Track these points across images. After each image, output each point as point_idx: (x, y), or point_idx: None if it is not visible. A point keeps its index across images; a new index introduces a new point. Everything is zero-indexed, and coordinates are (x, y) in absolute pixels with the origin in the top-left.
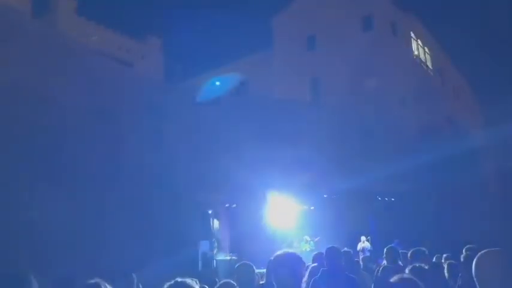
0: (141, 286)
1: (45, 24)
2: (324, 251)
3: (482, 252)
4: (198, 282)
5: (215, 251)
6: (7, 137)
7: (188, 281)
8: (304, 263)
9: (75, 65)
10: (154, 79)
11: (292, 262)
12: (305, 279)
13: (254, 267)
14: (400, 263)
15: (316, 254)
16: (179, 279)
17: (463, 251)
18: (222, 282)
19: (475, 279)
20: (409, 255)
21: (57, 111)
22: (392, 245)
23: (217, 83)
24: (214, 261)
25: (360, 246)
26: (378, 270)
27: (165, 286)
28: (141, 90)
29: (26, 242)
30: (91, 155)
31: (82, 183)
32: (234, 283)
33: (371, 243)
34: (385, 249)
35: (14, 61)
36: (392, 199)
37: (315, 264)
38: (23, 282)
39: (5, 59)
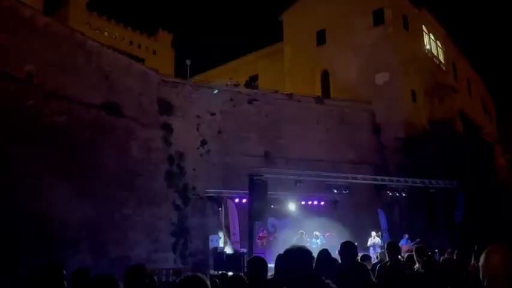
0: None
1: (57, 19)
2: (334, 246)
3: (492, 246)
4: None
5: (226, 245)
6: (16, 130)
7: (199, 275)
8: (313, 257)
9: (86, 61)
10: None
11: (301, 257)
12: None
13: (266, 261)
14: (399, 257)
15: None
16: (190, 274)
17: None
18: (232, 275)
19: (481, 270)
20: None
21: (67, 106)
22: (403, 240)
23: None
24: (225, 255)
25: (370, 241)
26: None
27: (178, 280)
28: (152, 85)
29: (31, 233)
30: (101, 149)
31: (91, 177)
32: (244, 277)
33: (382, 239)
34: (385, 244)
35: (25, 56)
36: (403, 194)
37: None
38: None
39: (16, 54)
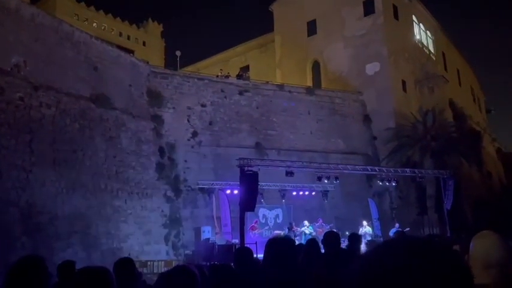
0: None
1: (44, 10)
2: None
3: (479, 233)
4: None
5: (217, 236)
6: (3, 122)
7: (188, 266)
8: (296, 245)
9: (74, 52)
10: (155, 65)
11: (285, 245)
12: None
13: (252, 250)
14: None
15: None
16: (179, 264)
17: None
18: (220, 265)
19: (471, 257)
20: None
21: (56, 98)
22: (394, 229)
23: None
24: (216, 246)
25: (361, 231)
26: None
27: (166, 271)
28: (141, 77)
29: (20, 227)
30: (90, 141)
31: (81, 169)
32: (232, 266)
33: (373, 228)
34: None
35: (12, 48)
36: (394, 183)
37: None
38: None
39: (3, 45)
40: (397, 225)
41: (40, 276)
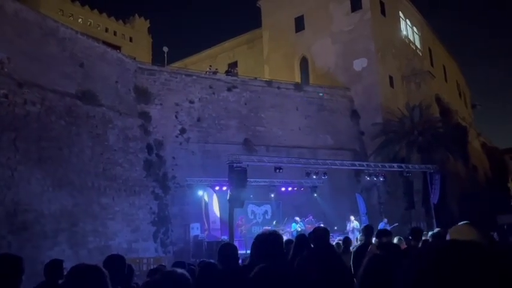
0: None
1: (27, 5)
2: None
3: (456, 226)
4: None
5: (206, 234)
6: None
7: (178, 271)
8: (283, 240)
9: (59, 48)
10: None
11: (272, 239)
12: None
13: (237, 247)
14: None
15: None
16: (169, 270)
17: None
18: (204, 262)
19: None
20: None
21: (41, 94)
22: (382, 223)
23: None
24: (205, 243)
25: (349, 226)
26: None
27: (156, 276)
28: (128, 73)
29: (5, 226)
30: (77, 138)
31: (67, 167)
32: (215, 263)
33: (360, 223)
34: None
35: None
36: (381, 178)
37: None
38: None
39: None
40: (385, 220)
41: (15, 277)
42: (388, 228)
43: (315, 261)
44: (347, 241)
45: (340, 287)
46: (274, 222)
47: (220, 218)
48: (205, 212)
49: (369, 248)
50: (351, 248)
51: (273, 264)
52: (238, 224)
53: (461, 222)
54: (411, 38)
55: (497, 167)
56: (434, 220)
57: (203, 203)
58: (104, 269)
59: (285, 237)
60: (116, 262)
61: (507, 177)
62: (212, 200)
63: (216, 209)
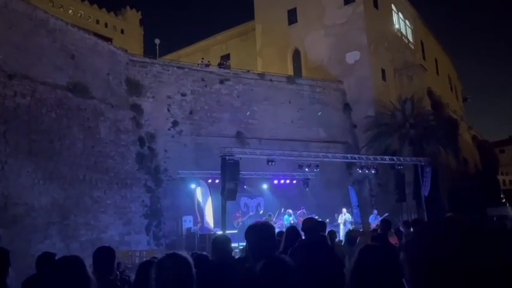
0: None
1: None
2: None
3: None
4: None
5: (199, 226)
6: None
7: (180, 252)
8: (274, 231)
9: (50, 40)
10: (133, 53)
11: (264, 230)
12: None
13: (229, 239)
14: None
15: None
16: (171, 252)
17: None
18: (196, 254)
19: None
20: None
21: (31, 87)
22: (372, 215)
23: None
24: (198, 235)
25: (341, 218)
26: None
27: (157, 260)
28: (120, 65)
29: None
30: (68, 130)
31: (58, 160)
32: (207, 255)
33: (352, 215)
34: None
35: None
36: (373, 171)
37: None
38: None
39: None
40: (375, 211)
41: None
42: (379, 218)
43: (305, 252)
44: (332, 234)
45: (330, 277)
46: (267, 215)
47: (213, 211)
48: (197, 204)
49: (357, 239)
50: (336, 240)
51: (276, 259)
52: (236, 216)
53: (447, 214)
54: (403, 31)
55: (488, 160)
56: (425, 212)
57: (196, 198)
58: (81, 258)
59: (277, 230)
60: (104, 254)
61: (497, 169)
62: (205, 193)
63: (209, 212)
